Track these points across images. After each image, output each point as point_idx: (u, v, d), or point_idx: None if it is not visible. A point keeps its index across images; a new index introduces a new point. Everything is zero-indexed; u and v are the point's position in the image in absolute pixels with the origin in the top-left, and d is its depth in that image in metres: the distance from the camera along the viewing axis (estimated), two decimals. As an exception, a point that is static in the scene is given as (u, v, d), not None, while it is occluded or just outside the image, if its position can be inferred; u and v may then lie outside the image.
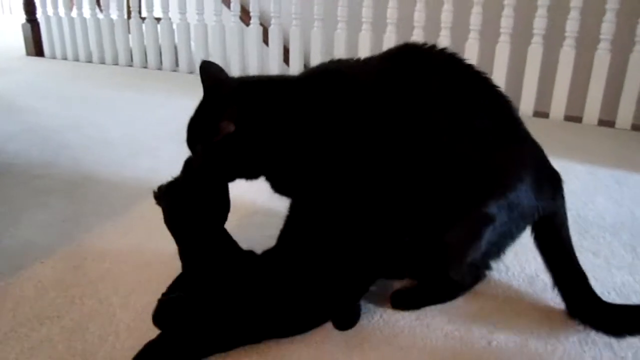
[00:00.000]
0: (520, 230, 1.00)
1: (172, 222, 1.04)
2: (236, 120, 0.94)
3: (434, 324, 0.99)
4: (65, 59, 3.97)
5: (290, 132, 0.97)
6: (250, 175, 1.03)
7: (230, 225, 1.06)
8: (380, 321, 0.99)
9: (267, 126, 0.96)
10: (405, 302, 1.03)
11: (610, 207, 1.56)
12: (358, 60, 1.04)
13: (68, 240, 1.25)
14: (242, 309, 0.89)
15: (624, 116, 2.54)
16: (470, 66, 0.99)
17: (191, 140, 1.01)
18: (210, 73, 1.03)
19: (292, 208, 1.08)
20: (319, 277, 0.95)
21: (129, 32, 3.74)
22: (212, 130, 0.95)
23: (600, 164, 1.95)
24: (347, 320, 0.93)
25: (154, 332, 0.86)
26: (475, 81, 0.98)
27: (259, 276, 0.96)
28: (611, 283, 1.13)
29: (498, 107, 0.98)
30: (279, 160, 0.99)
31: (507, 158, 0.95)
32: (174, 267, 1.07)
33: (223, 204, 1.06)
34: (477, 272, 1.07)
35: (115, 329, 0.93)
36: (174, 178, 1.07)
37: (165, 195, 1.06)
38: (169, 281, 1.04)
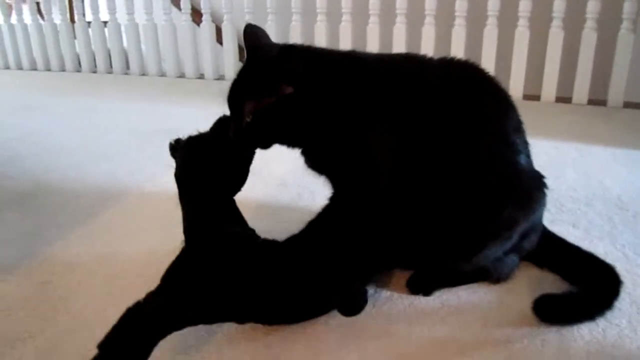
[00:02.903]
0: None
1: (183, 179, 1.01)
2: (296, 83, 0.93)
3: (428, 309, 0.96)
4: (7, 68, 3.78)
5: (345, 109, 0.96)
6: (290, 142, 1.01)
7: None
8: (373, 311, 0.95)
9: (323, 97, 0.95)
10: (423, 286, 1.01)
11: (580, 179, 1.58)
12: (431, 60, 1.04)
13: (30, 255, 1.17)
14: (237, 286, 0.85)
15: (580, 92, 2.60)
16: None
17: (236, 99, 0.97)
18: (255, 36, 1.00)
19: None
20: (326, 260, 0.90)
21: (74, 37, 3.59)
22: (267, 90, 0.94)
23: (563, 139, 1.98)
24: (353, 305, 0.88)
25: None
26: (515, 111, 1.02)
27: (263, 257, 0.90)
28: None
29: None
30: (323, 133, 0.97)
31: (533, 183, 1.01)
32: (148, 275, 1.01)
33: (243, 172, 1.03)
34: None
35: (95, 345, 0.86)
36: (200, 133, 1.04)
37: (185, 148, 1.02)
38: (145, 290, 0.98)
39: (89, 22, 3.51)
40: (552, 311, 0.91)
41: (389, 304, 0.97)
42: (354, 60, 1.01)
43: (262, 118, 0.94)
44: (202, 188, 1.00)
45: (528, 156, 1.02)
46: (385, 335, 0.89)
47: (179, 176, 1.03)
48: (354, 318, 0.90)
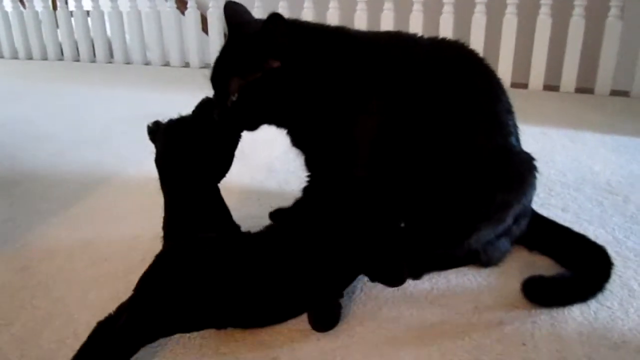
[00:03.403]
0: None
1: (164, 166, 0.96)
2: (283, 57, 0.89)
3: (417, 293, 0.94)
4: (-12, 56, 3.70)
5: (332, 85, 0.93)
6: (278, 121, 0.98)
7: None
8: (362, 295, 0.93)
9: (311, 72, 0.92)
10: (412, 270, 0.97)
11: (570, 164, 1.57)
12: (421, 39, 1.02)
13: (9, 241, 1.13)
14: (216, 293, 0.81)
15: (568, 80, 2.59)
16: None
17: (220, 78, 0.93)
18: (237, 12, 0.98)
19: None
20: (303, 264, 0.86)
21: (57, 25, 3.51)
22: (253, 65, 0.90)
23: (552, 126, 1.97)
24: (326, 318, 0.85)
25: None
26: (504, 94, 1.01)
27: (241, 253, 0.87)
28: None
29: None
30: (310, 110, 0.94)
31: (525, 166, 0.99)
32: (131, 260, 0.99)
33: (227, 157, 0.99)
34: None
35: (74, 331, 0.84)
36: (181, 116, 0.99)
37: (165, 132, 0.97)
38: (128, 274, 0.95)
39: (72, 12, 3.44)
40: (542, 293, 0.90)
41: (377, 287, 0.95)
42: (343, 35, 0.99)
43: (249, 95, 0.91)
44: (184, 175, 0.96)
45: (517, 139, 1.01)
46: (374, 319, 0.87)
47: (160, 162, 0.98)
48: (341, 303, 0.88)
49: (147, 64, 3.37)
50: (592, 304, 0.90)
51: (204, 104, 0.99)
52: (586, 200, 1.32)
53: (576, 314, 0.88)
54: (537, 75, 2.63)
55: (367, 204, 0.94)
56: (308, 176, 1.03)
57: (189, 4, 3.18)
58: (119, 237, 1.14)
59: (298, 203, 1.01)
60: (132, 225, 1.19)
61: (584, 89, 2.60)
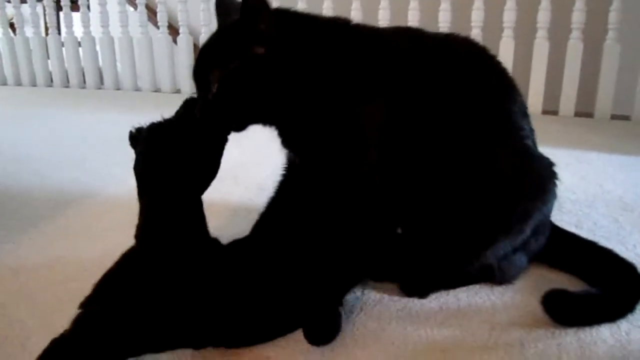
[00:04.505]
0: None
1: (144, 172, 0.86)
2: (268, 44, 0.81)
3: (424, 312, 0.84)
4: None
5: (329, 76, 0.84)
6: (265, 117, 0.87)
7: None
8: (362, 315, 0.83)
9: (304, 61, 0.83)
10: (418, 287, 0.88)
11: (578, 183, 1.49)
12: (429, 33, 0.94)
13: (-29, 259, 1.03)
14: (194, 302, 0.70)
15: (567, 103, 2.53)
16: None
17: (202, 70, 0.84)
18: (225, 7, 0.91)
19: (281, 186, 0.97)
20: (294, 270, 0.76)
21: (47, 55, 3.45)
22: (235, 53, 0.81)
23: (556, 146, 1.88)
24: (323, 331, 0.73)
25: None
26: (520, 95, 0.93)
27: (222, 258, 0.77)
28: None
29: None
30: (302, 105, 0.85)
31: (545, 171, 0.92)
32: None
33: (213, 162, 0.88)
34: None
35: (29, 356, 0.72)
36: (164, 119, 0.89)
37: (147, 137, 0.87)
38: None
39: (63, 43, 3.39)
40: (566, 310, 0.80)
41: (379, 307, 0.85)
42: (344, 25, 0.90)
43: (230, 86, 0.81)
44: (165, 182, 0.85)
45: (534, 143, 0.93)
46: (376, 342, 0.76)
47: (139, 168, 0.88)
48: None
49: (137, 90, 3.30)
50: (623, 324, 0.80)
51: (187, 104, 0.89)
52: (600, 217, 1.23)
53: (606, 335, 0.77)
54: (535, 99, 2.58)
55: (370, 206, 0.84)
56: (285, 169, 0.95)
57: (180, 31, 3.14)
58: (91, 256, 1.03)
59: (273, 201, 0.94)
60: (106, 244, 1.08)
61: (584, 113, 2.55)
